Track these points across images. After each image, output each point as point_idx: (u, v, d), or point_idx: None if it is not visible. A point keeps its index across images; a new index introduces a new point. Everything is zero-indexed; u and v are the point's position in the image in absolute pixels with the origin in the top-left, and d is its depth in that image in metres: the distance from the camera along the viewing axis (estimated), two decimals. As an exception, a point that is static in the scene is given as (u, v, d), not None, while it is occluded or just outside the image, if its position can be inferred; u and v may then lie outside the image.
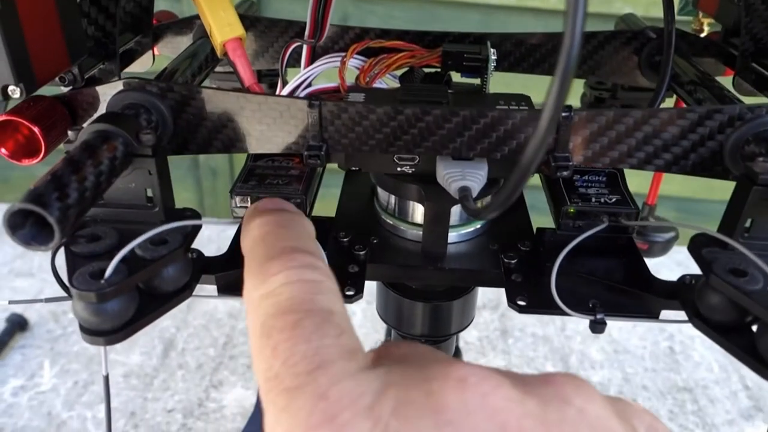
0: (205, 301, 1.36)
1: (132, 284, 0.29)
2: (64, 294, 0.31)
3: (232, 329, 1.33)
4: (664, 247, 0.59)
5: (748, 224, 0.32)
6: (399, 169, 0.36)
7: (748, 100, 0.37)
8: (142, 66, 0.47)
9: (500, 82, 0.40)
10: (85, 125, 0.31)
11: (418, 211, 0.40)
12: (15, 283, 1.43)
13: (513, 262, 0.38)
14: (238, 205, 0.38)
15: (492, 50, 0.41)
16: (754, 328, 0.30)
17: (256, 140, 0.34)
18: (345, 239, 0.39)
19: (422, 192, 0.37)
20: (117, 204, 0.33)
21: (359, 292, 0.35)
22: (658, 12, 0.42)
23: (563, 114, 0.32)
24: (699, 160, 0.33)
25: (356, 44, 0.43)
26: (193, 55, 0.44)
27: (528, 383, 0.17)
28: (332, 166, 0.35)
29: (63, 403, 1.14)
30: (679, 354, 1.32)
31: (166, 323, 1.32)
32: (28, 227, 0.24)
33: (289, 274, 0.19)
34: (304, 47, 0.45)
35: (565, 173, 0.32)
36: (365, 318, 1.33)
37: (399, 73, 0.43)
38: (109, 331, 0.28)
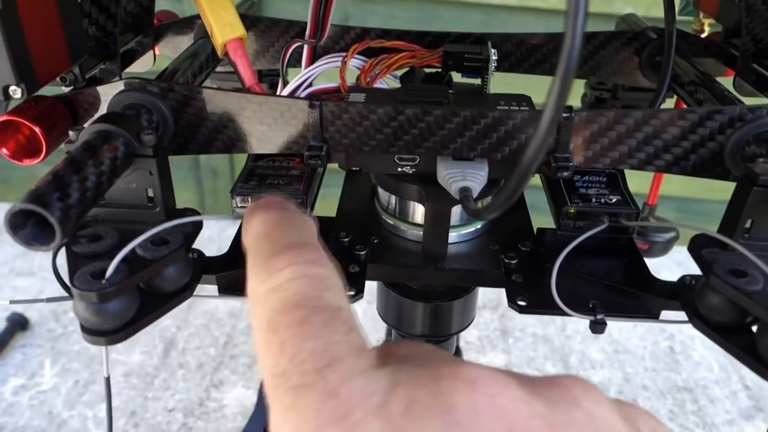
0: (206, 300, 1.36)
1: (133, 284, 0.29)
2: (65, 293, 0.31)
3: (232, 329, 1.33)
4: (664, 248, 0.60)
5: (748, 225, 0.32)
6: (399, 169, 0.36)
7: (748, 101, 0.37)
8: (143, 66, 0.47)
9: (501, 83, 0.41)
10: (86, 125, 0.31)
11: (418, 212, 0.40)
12: (16, 283, 1.43)
13: (513, 262, 0.38)
14: (239, 205, 0.39)
15: (493, 50, 0.41)
16: (754, 328, 0.30)
17: (256, 140, 0.34)
18: (346, 239, 0.39)
19: (423, 192, 0.37)
20: (118, 204, 0.33)
21: (360, 292, 0.35)
22: (658, 12, 0.42)
23: (564, 115, 0.32)
24: (699, 160, 0.33)
25: (357, 44, 0.43)
26: (194, 55, 0.44)
27: (535, 385, 0.16)
28: (333, 165, 0.35)
29: (64, 403, 1.14)
30: (679, 354, 1.32)
31: (166, 323, 1.32)
32: (30, 227, 0.24)
33: (295, 269, 0.19)
34: (305, 47, 0.45)
35: (565, 174, 0.32)
36: (365, 318, 1.33)
37: (400, 73, 0.43)
38: (110, 331, 0.28)
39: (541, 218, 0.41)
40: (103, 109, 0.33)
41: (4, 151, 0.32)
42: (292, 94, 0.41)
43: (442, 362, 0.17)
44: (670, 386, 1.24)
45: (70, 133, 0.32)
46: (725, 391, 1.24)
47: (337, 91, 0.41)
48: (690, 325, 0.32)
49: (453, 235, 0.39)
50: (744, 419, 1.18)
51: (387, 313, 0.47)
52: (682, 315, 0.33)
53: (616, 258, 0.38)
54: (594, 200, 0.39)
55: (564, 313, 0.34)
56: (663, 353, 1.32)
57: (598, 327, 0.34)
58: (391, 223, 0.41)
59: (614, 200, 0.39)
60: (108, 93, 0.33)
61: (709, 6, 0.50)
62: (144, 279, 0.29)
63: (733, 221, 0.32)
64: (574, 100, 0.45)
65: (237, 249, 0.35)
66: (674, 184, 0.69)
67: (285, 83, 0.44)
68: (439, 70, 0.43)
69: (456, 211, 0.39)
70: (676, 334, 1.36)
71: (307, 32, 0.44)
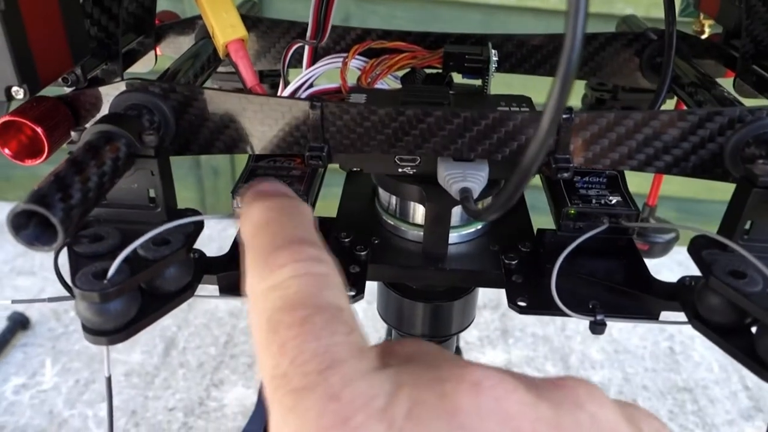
0: (206, 300, 1.36)
1: (134, 284, 0.29)
2: (66, 293, 0.31)
3: (233, 328, 1.33)
4: (664, 248, 0.60)
5: (747, 226, 0.32)
6: (400, 170, 0.36)
7: (748, 102, 0.37)
8: (145, 66, 0.47)
9: (501, 83, 0.41)
10: (87, 126, 0.32)
11: (419, 212, 0.40)
12: (17, 282, 1.43)
13: (513, 263, 0.38)
14: (240, 205, 0.39)
15: (493, 52, 0.41)
16: (754, 329, 0.30)
17: (258, 141, 0.34)
18: (346, 239, 0.39)
19: (423, 193, 0.37)
20: (119, 204, 0.33)
21: (360, 292, 0.35)
22: (659, 12, 0.42)
23: (564, 116, 0.32)
24: (699, 162, 0.33)
25: (358, 45, 0.43)
26: (195, 56, 0.44)
27: (540, 387, 0.16)
28: (334, 165, 0.36)
29: (64, 402, 1.14)
30: (679, 354, 1.32)
31: (167, 322, 1.32)
32: (32, 228, 0.24)
33: (296, 266, 0.18)
34: (306, 48, 0.45)
35: (565, 175, 0.33)
36: (366, 317, 1.33)
37: (401, 74, 0.43)
38: (111, 330, 0.28)
39: (542, 218, 0.41)
40: (104, 110, 0.33)
41: (7, 151, 0.32)
42: (293, 95, 0.41)
43: (446, 363, 0.17)
44: (670, 386, 1.24)
45: (72, 133, 0.32)
46: (725, 392, 1.24)
47: (338, 92, 0.41)
48: (690, 326, 0.32)
49: (453, 236, 0.39)
50: (744, 419, 1.18)
51: (387, 313, 0.47)
52: (681, 316, 0.33)
53: (616, 259, 0.38)
54: (594, 201, 0.39)
55: (564, 314, 0.34)
56: (663, 353, 1.32)
57: (597, 328, 0.34)
58: (392, 223, 0.41)
59: (614, 201, 0.39)
60: (110, 94, 0.33)
61: (709, 7, 0.50)
62: (145, 279, 0.30)
63: (733, 222, 0.32)
64: (575, 100, 0.45)
65: (238, 249, 0.35)
66: (674, 185, 0.69)
67: (286, 84, 0.44)
68: (440, 71, 0.43)
69: (456, 211, 0.39)
70: (676, 334, 1.36)
71: (309, 33, 0.44)
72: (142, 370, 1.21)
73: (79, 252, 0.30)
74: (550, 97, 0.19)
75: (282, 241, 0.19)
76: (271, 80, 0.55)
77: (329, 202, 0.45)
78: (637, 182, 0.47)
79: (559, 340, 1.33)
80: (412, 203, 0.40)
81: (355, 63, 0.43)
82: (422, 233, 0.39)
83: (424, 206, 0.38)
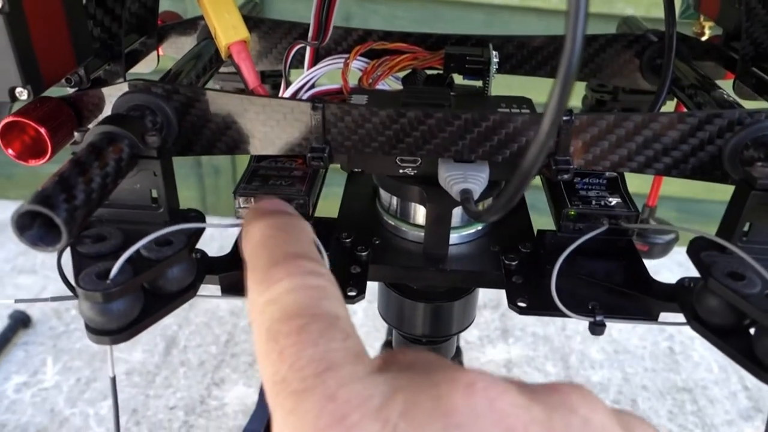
0: (207, 299, 1.36)
1: (137, 284, 0.29)
2: (69, 292, 0.31)
3: (234, 327, 1.33)
4: (664, 249, 0.60)
5: (746, 228, 0.32)
6: (401, 171, 0.36)
7: (748, 104, 0.37)
8: (147, 66, 0.47)
9: (502, 84, 0.41)
10: (90, 126, 0.32)
11: (419, 213, 0.40)
12: (18, 280, 1.43)
13: (514, 263, 0.38)
14: (242, 206, 0.39)
15: (494, 53, 0.41)
16: (752, 331, 0.30)
17: (259, 142, 0.34)
18: (347, 240, 0.39)
19: (424, 194, 0.37)
20: (122, 205, 0.33)
21: (361, 292, 0.35)
22: (659, 13, 0.42)
23: (564, 118, 0.32)
24: (698, 164, 0.34)
25: (359, 46, 0.44)
26: (197, 57, 0.45)
27: (534, 391, 0.17)
28: (335, 165, 0.36)
29: (65, 400, 1.14)
30: (678, 354, 1.32)
31: (168, 321, 1.33)
32: (36, 228, 0.24)
33: (293, 280, 0.19)
34: (308, 48, 0.45)
35: (565, 176, 0.33)
36: (366, 317, 1.33)
37: (402, 74, 0.44)
38: (114, 330, 0.29)
39: (542, 218, 0.42)
40: (107, 111, 0.34)
41: (10, 151, 0.32)
42: (294, 96, 0.42)
43: (442, 368, 0.17)
44: (669, 386, 1.25)
45: (75, 134, 0.33)
46: (724, 392, 1.24)
47: (340, 93, 0.41)
48: (689, 327, 0.32)
49: (454, 237, 0.40)
50: (743, 420, 1.18)
51: (388, 313, 0.47)
52: (680, 317, 0.33)
53: (616, 260, 0.38)
54: (594, 202, 0.39)
55: (564, 315, 0.34)
56: (663, 353, 1.32)
57: (597, 328, 0.34)
58: (393, 224, 0.41)
59: (614, 203, 0.39)
60: (113, 94, 0.33)
61: (709, 9, 0.50)
62: (148, 279, 0.30)
63: (732, 224, 0.32)
64: (575, 101, 0.45)
65: (239, 250, 0.35)
66: (675, 185, 0.69)
67: (288, 84, 0.44)
68: (441, 72, 0.43)
69: (457, 212, 0.39)
70: (675, 334, 1.37)
71: (310, 34, 0.45)
72: (143, 368, 1.22)
73: (83, 252, 0.30)
74: (551, 100, 0.19)
75: (279, 257, 0.20)
76: (272, 81, 0.55)
77: (330, 202, 0.45)
78: (638, 182, 0.47)
79: (559, 340, 1.33)
80: (412, 204, 0.40)
81: (357, 64, 0.43)
82: (423, 234, 0.39)
83: (424, 207, 0.38)
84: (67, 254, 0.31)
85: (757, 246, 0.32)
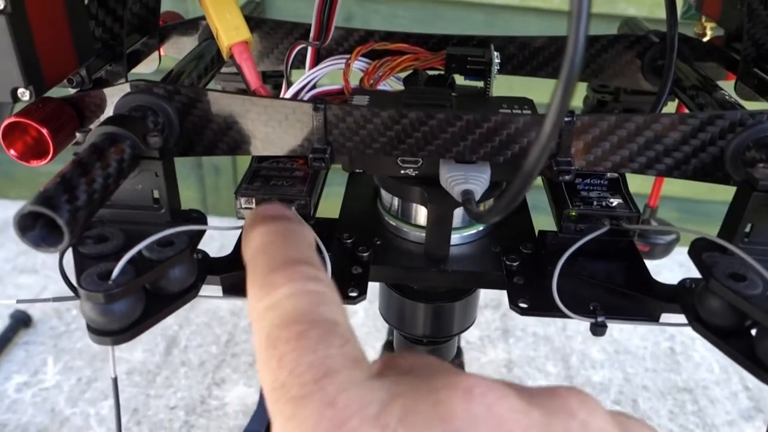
0: (208, 299, 1.36)
1: (139, 285, 0.29)
2: (70, 292, 0.31)
3: (234, 327, 1.33)
4: (665, 249, 0.60)
5: (748, 229, 0.32)
6: (402, 171, 0.36)
7: (749, 105, 0.37)
8: (148, 67, 0.47)
9: (503, 84, 0.41)
10: (92, 127, 0.32)
11: (421, 214, 0.40)
12: (19, 280, 1.43)
13: (515, 264, 0.38)
14: (243, 206, 0.39)
15: (496, 53, 0.41)
16: (753, 332, 0.30)
17: (261, 143, 0.34)
18: (348, 240, 0.39)
19: (425, 194, 0.37)
20: (124, 205, 0.33)
21: (363, 293, 0.35)
22: (662, 13, 0.42)
23: (566, 119, 0.32)
24: (700, 165, 0.34)
25: (361, 46, 0.44)
26: (199, 57, 0.45)
27: (533, 395, 0.17)
28: (336, 165, 0.36)
29: (66, 400, 1.14)
30: (679, 354, 1.32)
31: (168, 321, 1.33)
32: (38, 229, 0.24)
33: (293, 286, 0.19)
34: (309, 49, 0.45)
35: (567, 177, 0.33)
36: (367, 317, 1.33)
37: (403, 75, 0.44)
38: (116, 331, 0.29)
39: (542, 218, 0.42)
40: (109, 111, 0.34)
41: (12, 152, 0.32)
42: (296, 96, 0.42)
43: (441, 373, 0.17)
44: (670, 387, 1.25)
45: (77, 134, 0.33)
46: (725, 392, 1.24)
47: (341, 93, 0.41)
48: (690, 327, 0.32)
49: (455, 237, 0.40)
50: (744, 420, 1.18)
51: (389, 313, 0.47)
52: (682, 318, 0.33)
53: (617, 261, 0.38)
54: (595, 203, 0.39)
55: (565, 316, 0.34)
56: (663, 354, 1.32)
57: (598, 329, 0.34)
58: (394, 224, 0.41)
59: (615, 203, 0.39)
60: (114, 95, 0.33)
61: (711, 10, 0.50)
62: (150, 280, 0.30)
63: (733, 225, 0.32)
64: (576, 102, 0.45)
65: (240, 250, 0.35)
66: (676, 185, 0.69)
67: (289, 84, 0.44)
68: (443, 72, 0.43)
69: (458, 213, 0.39)
70: (676, 334, 1.37)
71: (312, 34, 0.45)
72: (144, 368, 1.22)
73: (84, 253, 0.30)
74: (553, 102, 0.19)
75: (279, 262, 0.20)
76: (274, 81, 0.55)
77: (331, 201, 0.45)
78: (639, 183, 0.47)
79: (560, 340, 1.33)
80: (414, 205, 0.40)
81: (358, 64, 0.43)
82: (424, 234, 0.39)
83: (426, 208, 0.38)
84: (68, 254, 0.31)
85: (758, 247, 0.32)
